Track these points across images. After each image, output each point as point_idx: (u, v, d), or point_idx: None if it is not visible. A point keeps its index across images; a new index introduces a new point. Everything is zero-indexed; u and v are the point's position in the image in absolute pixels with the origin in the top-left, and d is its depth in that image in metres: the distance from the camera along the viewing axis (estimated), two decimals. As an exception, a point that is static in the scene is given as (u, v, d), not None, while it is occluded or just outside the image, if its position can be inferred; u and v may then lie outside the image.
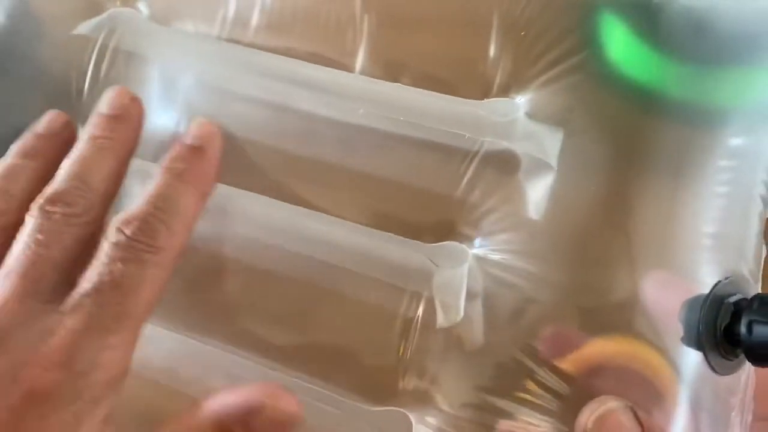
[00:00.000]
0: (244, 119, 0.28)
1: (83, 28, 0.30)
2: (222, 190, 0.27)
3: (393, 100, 0.27)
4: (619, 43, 0.26)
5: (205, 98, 0.29)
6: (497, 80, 0.27)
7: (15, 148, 0.27)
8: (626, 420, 0.22)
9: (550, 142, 0.26)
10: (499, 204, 0.26)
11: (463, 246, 0.25)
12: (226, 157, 0.27)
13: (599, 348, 0.24)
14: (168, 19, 0.30)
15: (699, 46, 0.26)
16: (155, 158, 0.27)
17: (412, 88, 0.27)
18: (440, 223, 0.26)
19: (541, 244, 0.25)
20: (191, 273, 0.27)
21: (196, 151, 0.26)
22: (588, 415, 0.22)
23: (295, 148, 0.28)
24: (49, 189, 0.24)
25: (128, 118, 0.27)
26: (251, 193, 0.28)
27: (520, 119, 0.26)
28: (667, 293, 0.25)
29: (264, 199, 0.28)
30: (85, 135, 0.26)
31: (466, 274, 0.25)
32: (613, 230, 0.25)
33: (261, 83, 0.28)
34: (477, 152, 0.26)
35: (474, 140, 0.26)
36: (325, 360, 0.26)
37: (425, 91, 0.27)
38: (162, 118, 0.29)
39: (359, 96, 0.27)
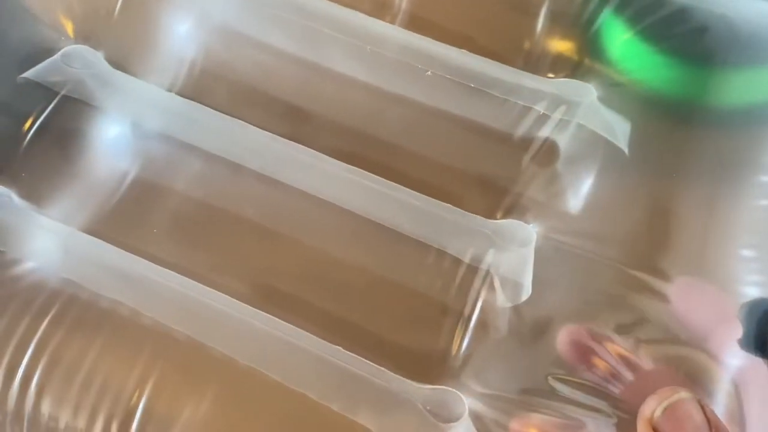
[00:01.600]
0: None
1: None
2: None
3: (456, 62, 0.26)
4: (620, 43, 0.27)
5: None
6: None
7: None
8: (696, 413, 0.21)
9: (620, 130, 0.25)
10: (541, 191, 0.26)
11: (529, 226, 0.24)
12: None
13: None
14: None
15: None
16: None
17: (475, 55, 0.26)
18: (496, 204, 0.25)
19: (592, 229, 0.25)
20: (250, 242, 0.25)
21: None
22: (656, 404, 0.21)
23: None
24: None
25: None
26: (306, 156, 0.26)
27: (592, 102, 0.25)
28: (699, 301, 0.25)
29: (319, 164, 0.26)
30: None
31: (532, 254, 0.24)
32: (651, 233, 0.25)
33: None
34: (533, 138, 0.26)
35: (542, 117, 0.25)
36: (371, 334, 0.24)
37: (489, 60, 0.26)
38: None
39: (429, 58, 0.26)
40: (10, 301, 0.24)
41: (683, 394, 0.21)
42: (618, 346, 0.23)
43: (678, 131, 0.27)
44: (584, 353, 0.24)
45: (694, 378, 0.23)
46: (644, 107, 0.27)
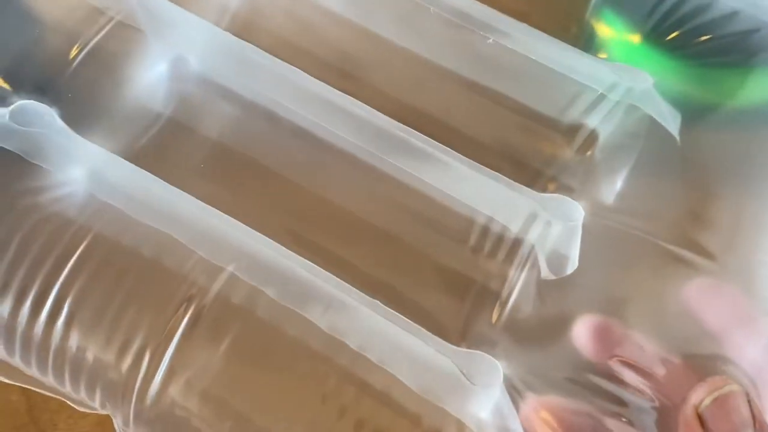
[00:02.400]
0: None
1: None
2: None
3: (520, 33, 0.26)
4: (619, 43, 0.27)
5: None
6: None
7: None
8: (744, 408, 0.21)
9: (672, 119, 0.25)
10: (588, 171, 0.26)
11: (576, 203, 0.24)
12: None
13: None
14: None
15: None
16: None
17: (537, 30, 0.26)
18: (543, 182, 0.25)
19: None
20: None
21: None
22: (706, 393, 0.21)
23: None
24: None
25: None
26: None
27: (650, 89, 0.26)
28: (715, 301, 0.24)
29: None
30: None
31: (580, 228, 0.24)
32: (689, 221, 0.25)
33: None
34: (589, 114, 0.26)
35: (599, 97, 0.25)
36: (410, 296, 0.24)
37: (549, 36, 0.26)
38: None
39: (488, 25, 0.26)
40: (43, 226, 0.23)
41: (734, 386, 0.21)
42: (641, 341, 0.23)
43: (715, 130, 0.27)
44: (605, 346, 0.23)
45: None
46: (684, 105, 0.27)
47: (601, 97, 0.25)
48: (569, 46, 0.26)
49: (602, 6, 0.29)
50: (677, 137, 0.25)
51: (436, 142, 0.25)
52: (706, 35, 0.27)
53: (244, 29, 0.28)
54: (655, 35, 0.27)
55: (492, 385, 0.22)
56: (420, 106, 0.27)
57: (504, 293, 0.24)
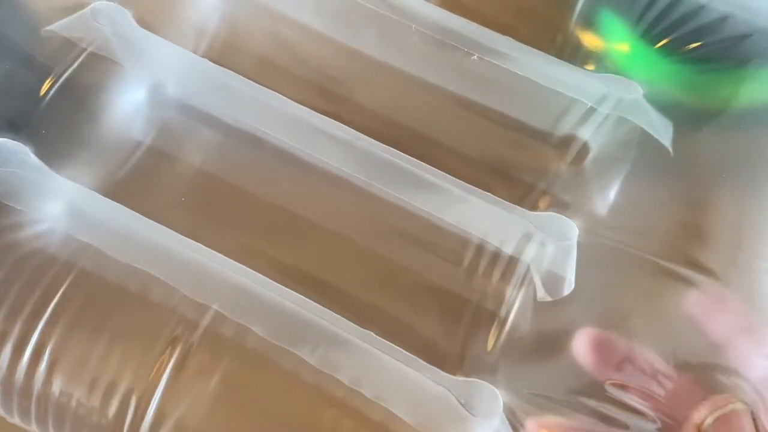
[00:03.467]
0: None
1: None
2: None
3: (505, 48, 0.25)
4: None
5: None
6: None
7: None
8: (749, 427, 0.21)
9: (664, 129, 0.25)
10: (579, 186, 0.25)
11: (570, 220, 0.24)
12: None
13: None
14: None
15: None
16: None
17: (523, 45, 0.26)
18: (535, 199, 0.25)
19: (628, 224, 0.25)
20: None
21: None
22: (708, 411, 0.21)
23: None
24: None
25: None
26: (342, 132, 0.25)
27: (639, 100, 0.25)
28: (718, 311, 0.24)
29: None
30: None
31: (575, 247, 0.23)
32: (684, 236, 0.25)
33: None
34: (579, 127, 0.25)
35: (589, 110, 0.25)
36: (404, 323, 0.23)
37: (536, 50, 0.26)
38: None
39: (474, 42, 0.25)
40: (22, 266, 0.22)
41: (738, 405, 0.21)
42: (644, 355, 0.23)
43: (710, 133, 0.26)
44: (605, 359, 0.23)
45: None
46: (679, 109, 0.26)
47: (591, 110, 0.25)
48: (556, 59, 0.26)
49: (592, 13, 0.28)
50: (669, 147, 0.25)
51: (425, 164, 0.24)
52: (697, 41, 0.26)
53: (223, 51, 0.28)
54: (646, 41, 0.27)
55: (492, 414, 0.21)
56: (407, 122, 0.27)
57: (501, 314, 0.23)
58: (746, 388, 0.23)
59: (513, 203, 0.24)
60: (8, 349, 0.22)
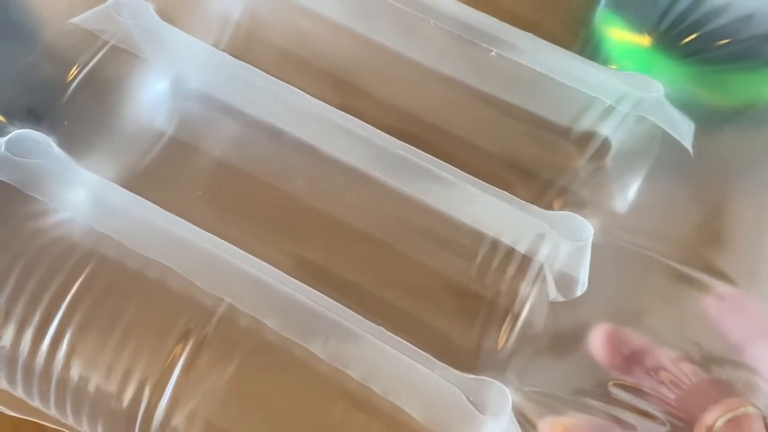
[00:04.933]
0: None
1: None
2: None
3: (526, 45, 0.25)
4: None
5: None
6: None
7: None
8: (760, 430, 0.21)
9: (686, 130, 0.25)
10: (597, 186, 0.25)
11: (586, 220, 0.24)
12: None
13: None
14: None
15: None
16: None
17: (544, 41, 0.26)
18: (551, 198, 0.25)
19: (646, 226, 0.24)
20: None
21: None
22: (719, 413, 0.21)
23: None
24: None
25: None
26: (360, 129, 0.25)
27: (661, 99, 0.25)
28: (738, 314, 0.24)
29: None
30: None
31: (589, 248, 0.23)
32: (706, 236, 0.25)
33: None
34: (598, 125, 0.25)
35: (608, 109, 0.25)
36: (416, 319, 0.23)
37: (558, 47, 0.25)
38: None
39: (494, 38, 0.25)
40: (44, 254, 0.23)
41: (751, 408, 0.21)
42: (659, 354, 0.23)
43: (732, 134, 0.26)
44: (620, 356, 0.23)
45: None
46: (700, 109, 0.26)
47: (611, 109, 0.25)
48: (578, 57, 0.25)
49: (613, 10, 0.28)
50: (689, 148, 0.24)
51: (441, 162, 0.24)
52: (721, 40, 0.26)
53: (246, 41, 0.28)
54: (668, 40, 0.26)
55: (501, 413, 0.21)
56: (425, 115, 0.27)
57: (514, 311, 0.23)
58: (763, 389, 0.22)
59: (530, 200, 0.24)
60: (29, 334, 0.22)
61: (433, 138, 0.26)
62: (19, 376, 0.23)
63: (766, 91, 0.26)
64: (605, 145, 0.26)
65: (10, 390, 0.24)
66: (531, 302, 0.23)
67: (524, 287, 0.23)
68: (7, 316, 0.23)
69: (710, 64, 0.26)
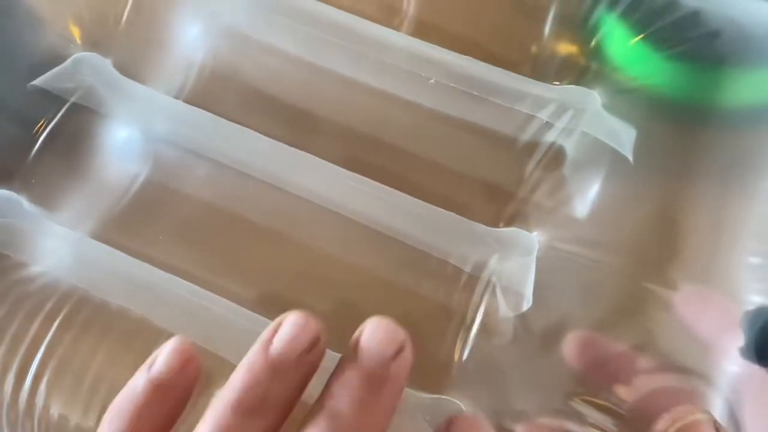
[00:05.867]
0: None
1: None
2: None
3: (460, 70, 0.26)
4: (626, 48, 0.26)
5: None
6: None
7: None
8: None
9: (625, 137, 0.25)
10: (546, 199, 0.26)
11: (531, 234, 0.24)
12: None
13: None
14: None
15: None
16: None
17: (480, 62, 0.26)
18: (500, 211, 0.25)
19: (598, 236, 0.25)
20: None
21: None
22: (669, 423, 0.21)
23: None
24: None
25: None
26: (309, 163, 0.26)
27: (596, 108, 0.25)
28: (705, 311, 0.24)
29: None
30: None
31: (534, 262, 0.24)
32: (658, 238, 0.25)
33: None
34: (538, 144, 0.26)
35: (547, 124, 0.25)
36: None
37: (493, 67, 0.26)
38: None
39: (432, 65, 0.26)
40: (21, 303, 0.25)
41: (700, 415, 0.20)
42: (628, 358, 0.23)
43: (685, 135, 0.26)
44: (595, 361, 0.23)
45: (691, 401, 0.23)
46: (651, 112, 0.26)
47: (549, 125, 0.25)
48: (516, 75, 0.26)
49: (565, 21, 0.28)
50: (629, 156, 0.25)
51: (391, 189, 0.25)
52: (670, 37, 0.26)
53: (211, 80, 0.29)
54: (634, 33, 0.26)
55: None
56: (386, 139, 0.28)
57: (464, 333, 0.24)
58: (723, 388, 0.23)
59: (488, 214, 0.25)
60: (10, 380, 0.24)
61: (389, 161, 0.27)
62: (3, 420, 0.24)
63: (723, 94, 0.27)
64: (559, 156, 0.26)
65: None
66: (481, 317, 0.23)
67: (475, 301, 0.24)
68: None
69: (665, 62, 0.26)
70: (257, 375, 0.19)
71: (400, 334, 0.19)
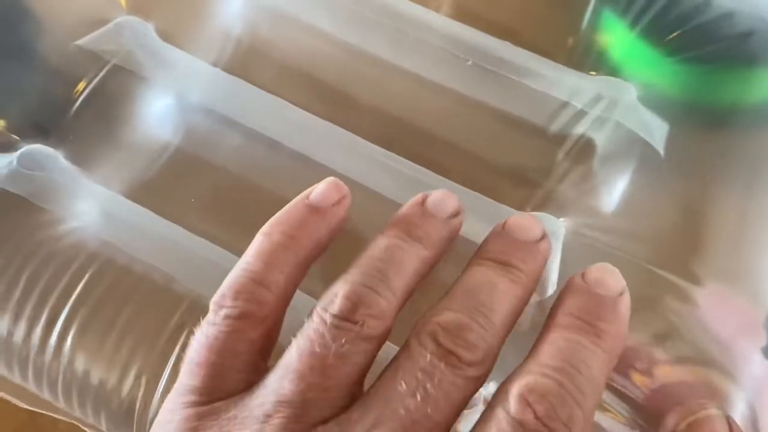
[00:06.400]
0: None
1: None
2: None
3: (497, 53, 0.26)
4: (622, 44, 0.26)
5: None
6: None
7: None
8: (722, 430, 0.20)
9: (658, 132, 0.25)
10: (574, 190, 0.26)
11: (558, 220, 0.24)
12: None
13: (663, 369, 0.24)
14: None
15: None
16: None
17: (517, 47, 0.26)
18: (528, 198, 0.25)
19: (624, 228, 0.25)
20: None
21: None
22: (681, 417, 0.21)
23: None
24: (448, 317, 0.19)
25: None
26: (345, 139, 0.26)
27: (632, 101, 0.25)
28: (725, 311, 0.24)
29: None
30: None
31: (560, 249, 0.24)
32: (683, 233, 0.25)
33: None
34: (568, 135, 0.26)
35: (580, 113, 0.25)
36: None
37: (532, 53, 0.26)
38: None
39: (470, 47, 0.26)
40: (51, 259, 0.25)
41: (712, 410, 0.21)
42: (645, 350, 0.23)
43: (713, 133, 0.26)
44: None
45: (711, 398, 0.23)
46: (680, 109, 0.26)
47: (582, 113, 0.25)
48: (553, 63, 0.26)
49: (601, 14, 0.28)
50: (661, 150, 0.25)
51: (422, 168, 0.25)
52: (703, 38, 0.26)
53: (247, 55, 0.30)
54: (648, 39, 0.27)
55: (472, 406, 0.22)
56: (418, 122, 0.28)
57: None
58: (741, 397, 0.23)
59: (515, 201, 0.25)
60: (38, 332, 0.24)
61: (420, 144, 0.27)
62: (30, 371, 0.25)
63: (752, 92, 0.27)
64: (590, 147, 0.26)
65: (23, 384, 0.26)
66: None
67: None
68: (18, 316, 0.25)
69: (696, 63, 0.26)
70: (416, 212, 0.22)
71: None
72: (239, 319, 0.20)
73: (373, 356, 0.20)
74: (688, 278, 0.24)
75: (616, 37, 0.27)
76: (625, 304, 0.21)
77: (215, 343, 0.19)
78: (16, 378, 0.25)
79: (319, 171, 0.27)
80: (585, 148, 0.26)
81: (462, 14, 0.28)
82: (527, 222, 0.22)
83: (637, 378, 0.23)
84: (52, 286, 0.25)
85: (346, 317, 0.19)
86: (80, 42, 0.27)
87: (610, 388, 0.22)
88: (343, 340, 0.19)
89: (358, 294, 0.19)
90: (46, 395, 0.25)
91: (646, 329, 0.23)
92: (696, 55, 0.26)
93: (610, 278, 0.21)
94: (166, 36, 0.28)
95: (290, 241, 0.21)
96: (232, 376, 0.19)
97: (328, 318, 0.19)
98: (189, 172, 0.27)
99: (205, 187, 0.27)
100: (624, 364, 0.23)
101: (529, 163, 0.26)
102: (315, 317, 0.19)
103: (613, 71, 0.27)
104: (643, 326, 0.24)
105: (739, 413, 0.22)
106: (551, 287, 0.23)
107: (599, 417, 0.22)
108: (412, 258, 0.21)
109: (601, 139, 0.26)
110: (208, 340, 0.20)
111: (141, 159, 0.27)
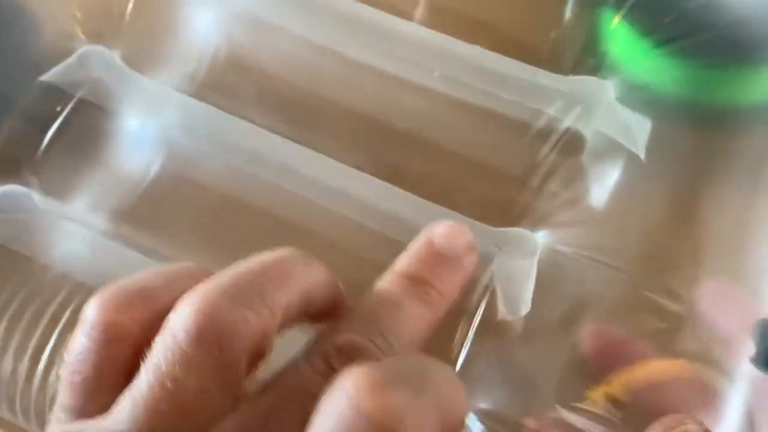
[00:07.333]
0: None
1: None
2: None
3: (469, 61, 0.25)
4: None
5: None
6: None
7: None
8: None
9: (638, 131, 0.24)
10: (561, 188, 0.25)
11: (534, 234, 0.24)
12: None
13: (653, 366, 0.23)
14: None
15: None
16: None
17: (490, 52, 0.25)
18: (507, 205, 0.25)
19: (607, 240, 0.24)
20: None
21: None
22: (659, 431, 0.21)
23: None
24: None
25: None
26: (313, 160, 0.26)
27: (609, 101, 0.24)
28: (727, 308, 0.23)
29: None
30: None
31: (536, 265, 0.23)
32: (679, 237, 0.24)
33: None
34: (553, 130, 0.25)
35: (554, 118, 0.24)
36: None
37: (503, 57, 0.25)
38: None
39: (435, 55, 0.25)
40: (35, 295, 0.25)
41: (690, 426, 0.20)
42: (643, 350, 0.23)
43: (702, 133, 0.25)
44: (609, 352, 0.23)
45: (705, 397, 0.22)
46: (667, 110, 0.25)
47: (556, 120, 0.24)
48: (527, 66, 0.25)
49: (586, 8, 0.27)
50: (641, 154, 0.24)
51: (396, 189, 0.25)
52: (689, 26, 0.25)
53: (225, 65, 0.29)
54: (637, 24, 0.25)
55: None
56: (397, 124, 0.27)
57: (461, 332, 0.23)
58: (739, 387, 0.22)
59: (498, 204, 0.24)
60: (24, 363, 0.25)
61: (399, 146, 0.27)
62: (17, 403, 0.25)
63: (749, 92, 0.25)
64: (575, 141, 0.25)
65: (11, 418, 0.26)
66: (481, 317, 0.23)
67: (474, 301, 0.23)
68: (4, 349, 0.25)
69: (685, 56, 0.25)
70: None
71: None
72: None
73: None
74: (683, 281, 0.23)
75: (601, 28, 0.26)
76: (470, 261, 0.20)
77: None
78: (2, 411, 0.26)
79: (299, 189, 0.26)
80: (570, 145, 0.25)
81: (441, 10, 0.28)
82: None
83: (626, 378, 0.22)
84: (38, 317, 0.25)
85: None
86: (45, 77, 0.27)
87: (588, 414, 0.22)
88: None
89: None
90: (33, 429, 0.26)
91: (640, 334, 0.23)
92: (684, 46, 0.25)
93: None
94: (132, 62, 0.28)
95: None
96: None
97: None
98: (170, 194, 0.27)
99: (188, 207, 0.27)
100: (616, 363, 0.23)
101: (505, 174, 0.25)
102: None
103: (599, 64, 0.26)
104: (637, 331, 0.23)
105: (736, 412, 0.22)
106: (524, 307, 0.23)
107: (573, 417, 0.22)
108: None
109: (579, 147, 0.25)
110: None
111: (121, 186, 0.27)
